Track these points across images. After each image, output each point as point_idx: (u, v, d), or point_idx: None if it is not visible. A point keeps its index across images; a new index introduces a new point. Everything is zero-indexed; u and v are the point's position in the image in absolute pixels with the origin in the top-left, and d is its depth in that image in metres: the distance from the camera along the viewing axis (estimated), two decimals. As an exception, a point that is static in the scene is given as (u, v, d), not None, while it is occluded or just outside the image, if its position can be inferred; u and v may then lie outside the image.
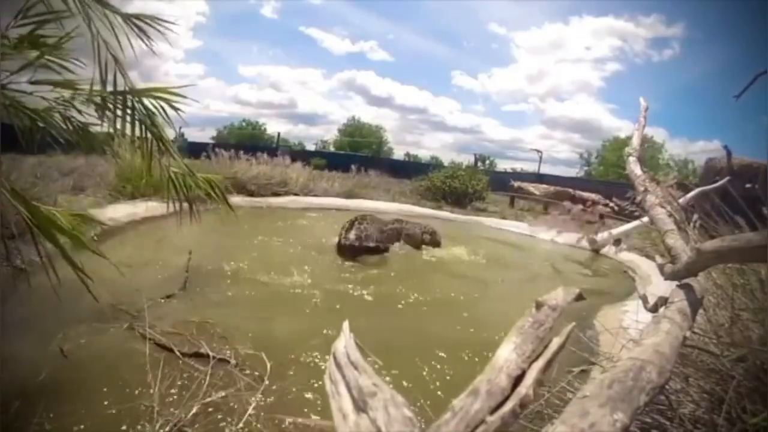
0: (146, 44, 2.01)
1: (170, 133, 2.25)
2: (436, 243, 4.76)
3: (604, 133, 27.97)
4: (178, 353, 1.89)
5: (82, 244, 1.69)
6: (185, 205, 2.27)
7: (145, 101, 1.98)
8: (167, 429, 1.39)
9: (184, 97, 2.04)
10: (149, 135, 2.03)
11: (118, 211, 4.73)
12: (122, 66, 1.86)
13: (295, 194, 7.87)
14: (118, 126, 1.95)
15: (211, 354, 1.88)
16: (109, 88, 1.86)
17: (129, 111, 1.94)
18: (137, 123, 1.98)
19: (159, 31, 2.04)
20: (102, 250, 1.77)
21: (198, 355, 1.90)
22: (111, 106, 1.90)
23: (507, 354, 0.63)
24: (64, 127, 1.94)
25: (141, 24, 1.99)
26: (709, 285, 1.41)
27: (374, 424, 0.51)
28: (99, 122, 1.94)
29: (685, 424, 1.10)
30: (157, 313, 2.32)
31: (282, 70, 33.35)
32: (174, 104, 2.03)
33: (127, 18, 1.95)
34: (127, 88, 1.90)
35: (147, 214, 4.97)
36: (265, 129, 28.39)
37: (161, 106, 2.02)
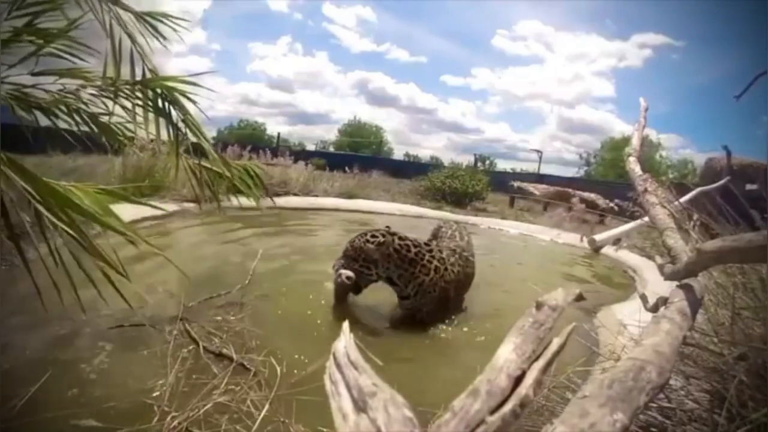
0: (162, 43, 1.92)
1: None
2: None
3: (610, 135, 27.93)
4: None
5: (111, 227, 1.26)
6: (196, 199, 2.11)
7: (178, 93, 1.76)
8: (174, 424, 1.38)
9: (207, 89, 1.87)
10: (183, 127, 1.80)
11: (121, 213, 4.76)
12: (143, 51, 1.72)
13: (295, 194, 7.83)
14: (141, 116, 1.75)
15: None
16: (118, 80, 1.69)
17: (156, 101, 1.75)
18: (168, 114, 1.78)
19: (172, 28, 1.93)
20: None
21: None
22: (130, 94, 1.70)
23: (507, 354, 0.62)
24: (77, 120, 1.77)
25: (153, 22, 1.90)
26: (710, 284, 1.40)
27: (374, 424, 0.51)
28: (118, 114, 1.77)
29: (685, 422, 1.10)
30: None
31: (288, 69, 33.28)
32: (190, 96, 1.78)
33: (139, 16, 1.87)
34: (150, 75, 1.73)
35: (146, 214, 5.03)
36: (264, 129, 28.44)
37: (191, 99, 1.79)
